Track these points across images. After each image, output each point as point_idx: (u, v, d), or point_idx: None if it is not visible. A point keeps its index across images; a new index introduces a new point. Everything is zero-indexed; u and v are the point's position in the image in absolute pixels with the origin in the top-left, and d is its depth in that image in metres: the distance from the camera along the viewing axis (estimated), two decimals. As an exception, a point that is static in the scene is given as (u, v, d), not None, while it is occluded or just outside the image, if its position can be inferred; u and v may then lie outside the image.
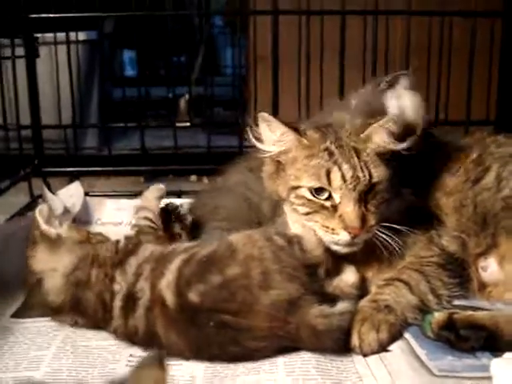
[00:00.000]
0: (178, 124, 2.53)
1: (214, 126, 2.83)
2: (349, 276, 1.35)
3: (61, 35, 2.62)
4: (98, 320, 1.29)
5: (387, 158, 1.35)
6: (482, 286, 1.47)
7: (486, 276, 1.47)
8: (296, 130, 1.35)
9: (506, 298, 1.45)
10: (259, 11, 2.52)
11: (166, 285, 1.21)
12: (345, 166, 1.29)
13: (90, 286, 1.28)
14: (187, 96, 3.62)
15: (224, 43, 4.87)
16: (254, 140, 1.38)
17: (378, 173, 1.32)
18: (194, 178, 2.73)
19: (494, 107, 2.52)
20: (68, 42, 2.40)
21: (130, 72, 5.31)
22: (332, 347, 1.19)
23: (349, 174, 1.28)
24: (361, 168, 1.30)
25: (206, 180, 2.67)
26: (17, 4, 2.18)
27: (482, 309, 1.39)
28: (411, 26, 2.31)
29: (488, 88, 2.47)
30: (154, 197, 1.54)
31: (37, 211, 1.38)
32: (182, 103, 3.53)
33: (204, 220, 1.64)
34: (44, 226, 1.35)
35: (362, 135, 1.34)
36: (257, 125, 1.37)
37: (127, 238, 1.39)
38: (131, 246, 1.35)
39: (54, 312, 1.34)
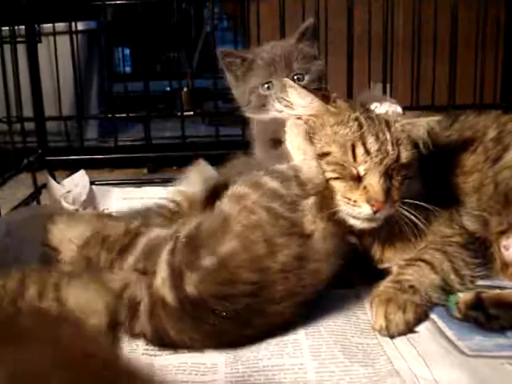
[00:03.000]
0: (185, 113, 2.47)
1: (217, 115, 2.80)
2: None
3: (59, 25, 2.59)
4: None
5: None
6: (505, 265, 1.44)
7: (508, 255, 1.43)
8: (324, 96, 1.33)
9: (530, 277, 1.42)
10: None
11: (162, 283, 1.11)
12: (370, 140, 1.25)
13: (100, 270, 1.21)
14: (185, 89, 3.59)
15: (222, 38, 4.83)
16: (283, 109, 1.37)
17: (407, 150, 1.29)
18: (198, 168, 2.68)
19: (499, 90, 2.50)
20: (71, 32, 2.35)
21: (124, 68, 5.28)
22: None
23: (374, 148, 1.25)
24: (391, 142, 1.26)
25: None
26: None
27: (506, 288, 1.35)
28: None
29: (495, 71, 2.45)
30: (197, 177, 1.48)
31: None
32: (184, 94, 3.51)
33: None
34: (64, 203, 1.32)
35: (405, 121, 1.32)
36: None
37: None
38: (129, 238, 1.24)
39: None
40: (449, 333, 1.21)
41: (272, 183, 1.17)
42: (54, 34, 2.53)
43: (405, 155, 1.29)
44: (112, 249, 1.22)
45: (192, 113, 2.52)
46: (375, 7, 2.29)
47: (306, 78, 1.51)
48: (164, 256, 1.13)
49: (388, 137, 1.27)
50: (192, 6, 4.00)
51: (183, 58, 3.80)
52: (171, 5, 2.44)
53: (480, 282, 1.38)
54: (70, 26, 2.38)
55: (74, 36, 2.40)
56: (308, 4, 2.28)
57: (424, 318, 1.25)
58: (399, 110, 1.39)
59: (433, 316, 1.27)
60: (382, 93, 2.23)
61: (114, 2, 2.59)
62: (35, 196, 1.97)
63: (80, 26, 2.61)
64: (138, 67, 4.67)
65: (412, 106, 2.29)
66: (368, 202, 1.23)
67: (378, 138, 1.26)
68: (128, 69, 4.91)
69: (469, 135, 1.55)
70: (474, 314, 1.22)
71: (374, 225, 1.28)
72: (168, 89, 3.81)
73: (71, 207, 1.36)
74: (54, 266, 1.26)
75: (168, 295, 1.10)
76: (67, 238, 1.28)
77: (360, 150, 1.25)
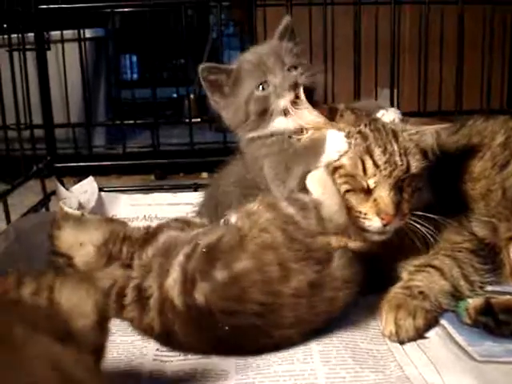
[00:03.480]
0: (193, 120, 2.47)
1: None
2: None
3: (67, 33, 2.60)
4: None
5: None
6: (515, 271, 1.43)
7: (517, 261, 1.43)
8: (331, 109, 1.32)
9: (539, 283, 1.41)
10: (271, 4, 2.45)
11: (173, 284, 1.12)
12: (377, 152, 1.25)
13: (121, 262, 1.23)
14: (192, 96, 3.61)
15: (228, 44, 4.83)
16: (294, 121, 1.34)
17: (416, 160, 1.29)
18: (205, 174, 2.69)
19: (506, 96, 2.50)
20: (79, 40, 2.35)
21: (131, 76, 5.32)
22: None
23: (382, 161, 1.25)
24: (399, 154, 1.26)
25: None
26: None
27: (516, 294, 1.35)
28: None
29: (501, 76, 2.45)
30: None
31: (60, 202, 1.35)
32: (192, 101, 3.53)
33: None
34: (68, 209, 1.32)
35: (413, 130, 1.31)
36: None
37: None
38: (152, 231, 1.29)
39: None
40: (459, 338, 1.20)
41: (289, 209, 1.16)
42: (62, 41, 2.55)
43: (414, 165, 1.28)
44: (134, 243, 1.25)
45: (200, 119, 2.51)
46: (381, 11, 2.30)
47: (299, 69, 1.40)
48: (179, 258, 1.14)
49: (396, 148, 1.26)
50: (198, 13, 4.02)
51: (190, 65, 3.81)
52: (178, 12, 2.43)
53: (489, 288, 1.38)
54: (79, 34, 2.38)
55: (82, 43, 2.42)
56: (315, 10, 2.29)
57: (434, 324, 1.25)
58: (400, 116, 1.38)
59: (443, 322, 1.27)
60: (390, 99, 2.23)
61: (121, 10, 2.61)
62: (44, 203, 1.99)
63: (88, 33, 2.62)
64: (145, 74, 4.71)
65: (419, 112, 2.29)
66: (378, 214, 1.24)
67: (385, 149, 1.26)
68: (135, 76, 4.95)
69: (477, 141, 1.55)
70: (484, 320, 1.22)
71: (383, 237, 1.29)
72: (175, 95, 3.83)
73: (74, 212, 1.35)
74: (66, 272, 1.26)
75: (176, 298, 1.11)
76: (78, 241, 1.29)
77: (369, 164, 1.25)
